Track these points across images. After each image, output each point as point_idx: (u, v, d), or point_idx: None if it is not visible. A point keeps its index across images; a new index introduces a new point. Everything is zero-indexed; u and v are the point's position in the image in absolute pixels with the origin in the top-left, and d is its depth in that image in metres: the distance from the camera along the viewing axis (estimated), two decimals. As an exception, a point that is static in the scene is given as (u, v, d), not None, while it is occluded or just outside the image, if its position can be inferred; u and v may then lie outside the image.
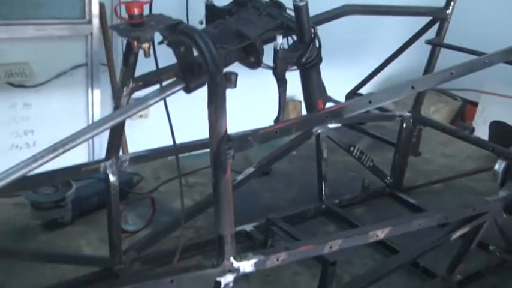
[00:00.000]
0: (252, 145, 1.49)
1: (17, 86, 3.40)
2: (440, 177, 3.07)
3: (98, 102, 3.64)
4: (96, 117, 3.61)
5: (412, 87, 1.75)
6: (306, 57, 1.70)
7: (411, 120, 2.76)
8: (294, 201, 2.75)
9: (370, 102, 1.65)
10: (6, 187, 1.39)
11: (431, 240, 2.08)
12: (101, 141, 3.61)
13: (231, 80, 1.48)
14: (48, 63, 3.46)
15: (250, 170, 2.42)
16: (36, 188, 2.26)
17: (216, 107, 1.43)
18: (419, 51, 2.77)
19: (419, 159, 3.03)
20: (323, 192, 2.65)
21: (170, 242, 2.25)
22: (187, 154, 2.90)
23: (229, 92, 1.47)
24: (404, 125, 2.77)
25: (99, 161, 1.97)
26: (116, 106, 1.87)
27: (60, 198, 2.33)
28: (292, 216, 2.49)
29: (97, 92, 3.63)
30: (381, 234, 1.75)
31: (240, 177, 2.37)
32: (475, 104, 4.90)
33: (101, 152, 3.63)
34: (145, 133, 3.50)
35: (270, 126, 1.54)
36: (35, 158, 1.43)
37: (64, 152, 1.48)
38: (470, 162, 3.32)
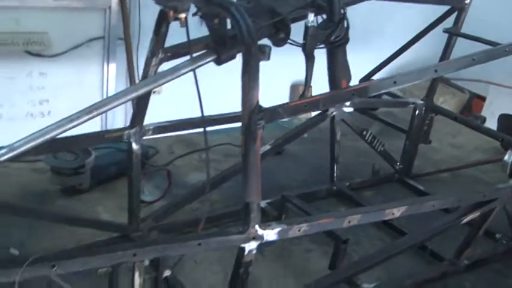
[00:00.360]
0: (282, 117, 1.54)
1: (34, 55, 3.44)
2: (448, 166, 3.11)
3: (113, 76, 3.67)
4: (111, 92, 3.64)
5: (435, 71, 1.81)
6: (334, 36, 1.74)
7: (424, 108, 2.80)
8: (305, 182, 2.80)
9: (395, 82, 1.70)
10: (37, 148, 1.44)
11: (442, 223, 2.13)
12: (114, 113, 3.64)
13: (265, 52, 1.52)
14: (66, 34, 3.49)
15: (267, 147, 2.46)
16: (63, 150, 2.30)
17: (250, 78, 1.47)
18: (431, 42, 2.81)
19: (428, 148, 3.08)
20: (335, 174, 2.69)
21: (185, 214, 2.31)
22: (201, 129, 2.94)
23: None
24: (417, 112, 2.81)
25: (124, 129, 2.01)
26: (144, 76, 1.91)
27: (80, 165, 2.38)
28: (304, 195, 2.53)
29: (113, 66, 3.66)
30: (397, 212, 1.79)
31: (267, 147, 2.41)
32: (482, 98, 4.94)
33: (113, 124, 3.67)
34: (157, 109, 3.53)
35: (299, 100, 1.58)
36: (70, 119, 1.47)
37: (98, 115, 1.53)
38: (478, 153, 3.36)
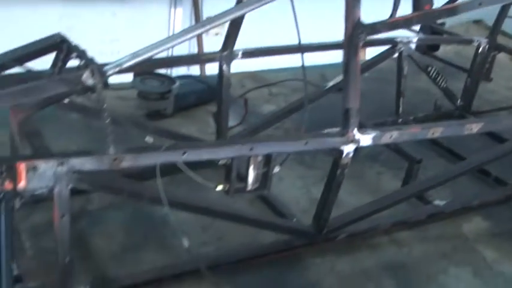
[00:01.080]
0: (380, 31, 1.68)
1: (106, -4, 3.58)
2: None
3: (180, 18, 3.79)
4: (177, 31, 3.76)
5: (518, -6, 1.92)
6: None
7: (487, 46, 2.90)
8: (371, 115, 2.93)
9: (480, 4, 1.81)
10: (142, 62, 1.60)
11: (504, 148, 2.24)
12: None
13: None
14: (137, -25, 3.62)
15: (330, 83, 2.55)
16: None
17: (353, -4, 1.62)
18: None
19: (484, 90, 3.19)
20: (400, 107, 2.82)
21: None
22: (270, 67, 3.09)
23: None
24: (480, 50, 2.91)
25: (216, 52, 2.16)
26: (238, 1, 2.05)
27: (166, 90, 2.54)
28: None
29: (179, 10, 3.78)
30: (475, 128, 1.91)
31: (330, 83, 2.54)
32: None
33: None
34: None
35: (394, 18, 1.72)
36: (185, 31, 1.64)
37: (208, 30, 1.69)
38: (533, 96, 3.47)
